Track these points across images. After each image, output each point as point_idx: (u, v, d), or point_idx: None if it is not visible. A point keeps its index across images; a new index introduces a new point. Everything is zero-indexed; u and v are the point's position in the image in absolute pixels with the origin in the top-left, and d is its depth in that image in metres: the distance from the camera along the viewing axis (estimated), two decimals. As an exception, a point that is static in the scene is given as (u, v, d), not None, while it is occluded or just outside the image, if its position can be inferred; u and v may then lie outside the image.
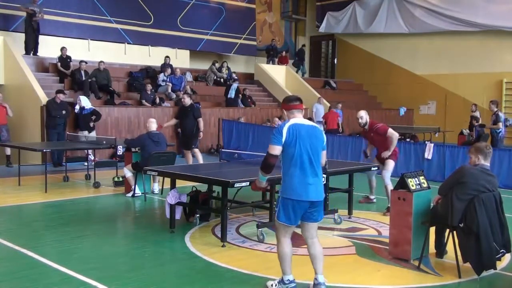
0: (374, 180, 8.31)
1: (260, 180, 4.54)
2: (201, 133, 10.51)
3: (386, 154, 7.83)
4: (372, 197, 8.50)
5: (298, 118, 4.30)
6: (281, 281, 4.47)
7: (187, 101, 10.54)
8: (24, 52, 14.83)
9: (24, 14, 14.74)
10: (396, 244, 5.44)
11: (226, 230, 5.90)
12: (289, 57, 25.53)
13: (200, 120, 10.41)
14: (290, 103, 4.34)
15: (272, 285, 4.51)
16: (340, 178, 7.68)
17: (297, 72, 22.71)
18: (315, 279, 4.42)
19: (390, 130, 7.85)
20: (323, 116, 16.88)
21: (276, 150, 4.22)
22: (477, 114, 16.56)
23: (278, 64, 21.63)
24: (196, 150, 10.55)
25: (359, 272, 5.07)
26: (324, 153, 4.42)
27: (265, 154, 4.34)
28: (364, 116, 7.98)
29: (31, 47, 14.97)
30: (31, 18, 14.62)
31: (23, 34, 15.17)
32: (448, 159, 11.04)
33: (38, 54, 15.25)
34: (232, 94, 17.23)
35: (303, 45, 24.62)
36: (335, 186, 7.61)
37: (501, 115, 13.85)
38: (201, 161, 10.39)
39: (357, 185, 7.87)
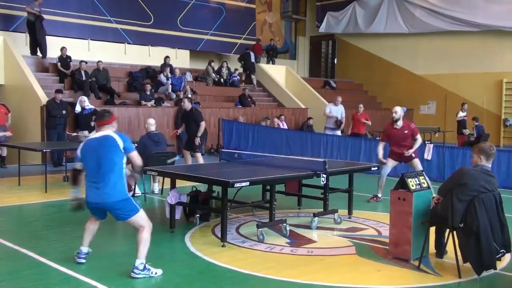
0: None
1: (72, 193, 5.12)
2: (196, 139, 10.06)
3: (411, 151, 8.12)
4: None
5: (98, 133, 4.95)
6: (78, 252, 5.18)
7: (187, 105, 10.31)
8: (23, 52, 14.76)
9: (25, 14, 14.71)
10: (396, 244, 5.44)
11: (226, 230, 5.90)
12: (289, 56, 25.62)
13: (201, 124, 10.11)
14: (98, 120, 5.05)
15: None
16: (340, 178, 7.67)
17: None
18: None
19: (419, 135, 8.28)
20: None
21: (77, 165, 5.01)
22: (463, 114, 16.65)
23: (253, 52, 21.05)
24: (198, 155, 10.29)
25: (359, 272, 5.07)
26: (132, 154, 4.99)
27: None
28: (399, 111, 8.12)
29: (44, 49, 14.93)
30: (40, 20, 14.59)
31: (23, 34, 15.20)
32: (448, 160, 11.04)
33: (42, 55, 15.22)
34: (253, 59, 19.66)
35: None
36: (335, 186, 7.61)
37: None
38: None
39: (357, 185, 7.87)
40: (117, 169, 4.81)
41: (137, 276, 4.73)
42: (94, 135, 5.02)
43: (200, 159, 10.30)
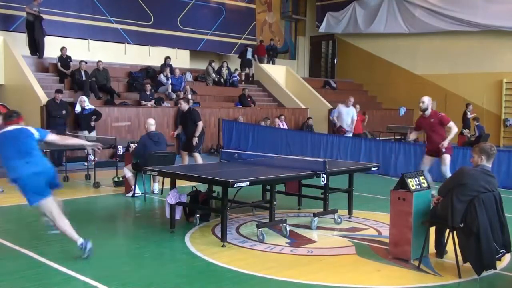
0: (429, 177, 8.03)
1: None
2: (194, 139, 10.04)
3: (445, 143, 8.08)
4: None
5: (10, 127, 5.43)
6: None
7: (184, 106, 10.24)
8: (23, 52, 14.75)
9: (25, 14, 14.71)
10: (396, 244, 5.44)
11: (226, 230, 5.90)
12: (289, 56, 25.62)
13: (199, 124, 10.08)
14: (6, 120, 5.53)
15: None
16: (340, 178, 7.67)
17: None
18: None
19: (452, 123, 8.22)
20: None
21: None
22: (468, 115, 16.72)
23: (256, 53, 21.41)
24: (196, 155, 10.26)
25: (359, 272, 5.07)
26: (49, 137, 5.57)
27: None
28: (426, 101, 8.23)
29: (41, 49, 14.92)
30: (39, 20, 14.59)
31: (23, 34, 15.18)
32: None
33: (38, 55, 15.23)
34: (249, 55, 20.48)
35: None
36: (335, 186, 7.61)
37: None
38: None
39: (357, 185, 7.87)
40: (37, 150, 5.39)
41: (89, 254, 5.22)
42: (7, 129, 5.43)
43: (199, 159, 10.28)
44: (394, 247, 5.48)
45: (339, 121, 13.94)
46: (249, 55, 20.55)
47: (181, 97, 15.75)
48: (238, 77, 19.33)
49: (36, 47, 15.02)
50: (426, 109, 8.24)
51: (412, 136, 8.87)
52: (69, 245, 5.86)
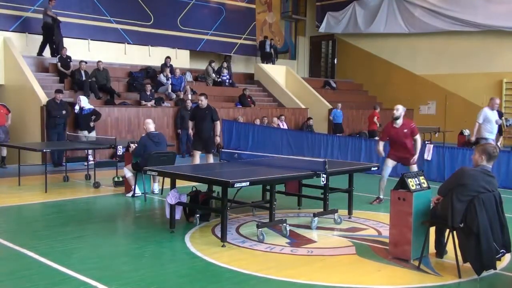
0: None
1: None
2: (217, 138, 9.90)
3: (415, 159, 8.13)
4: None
5: None
6: None
7: (204, 102, 9.87)
8: (23, 52, 14.78)
9: (24, 14, 14.76)
10: (396, 244, 5.44)
11: (226, 230, 5.90)
12: (289, 56, 25.62)
13: (218, 123, 9.95)
14: None
15: None
16: (340, 178, 7.66)
17: None
18: None
19: (419, 136, 8.16)
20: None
21: None
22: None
23: (271, 47, 21.87)
24: (210, 155, 10.11)
25: (359, 272, 5.07)
26: None
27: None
28: (400, 109, 8.05)
29: (61, 50, 15.06)
30: (57, 22, 14.80)
31: (24, 34, 15.26)
32: (448, 160, 11.04)
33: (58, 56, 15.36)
34: (267, 48, 21.20)
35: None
36: (335, 186, 7.61)
37: None
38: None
39: (357, 185, 7.87)
40: None
41: None
42: None
43: (211, 159, 10.09)
44: (394, 247, 5.48)
45: (483, 128, 10.56)
46: (267, 48, 21.00)
47: (181, 96, 15.76)
48: (228, 76, 19.19)
49: (44, 48, 15.27)
50: (398, 118, 7.99)
51: (381, 149, 8.48)
52: (69, 245, 5.88)
